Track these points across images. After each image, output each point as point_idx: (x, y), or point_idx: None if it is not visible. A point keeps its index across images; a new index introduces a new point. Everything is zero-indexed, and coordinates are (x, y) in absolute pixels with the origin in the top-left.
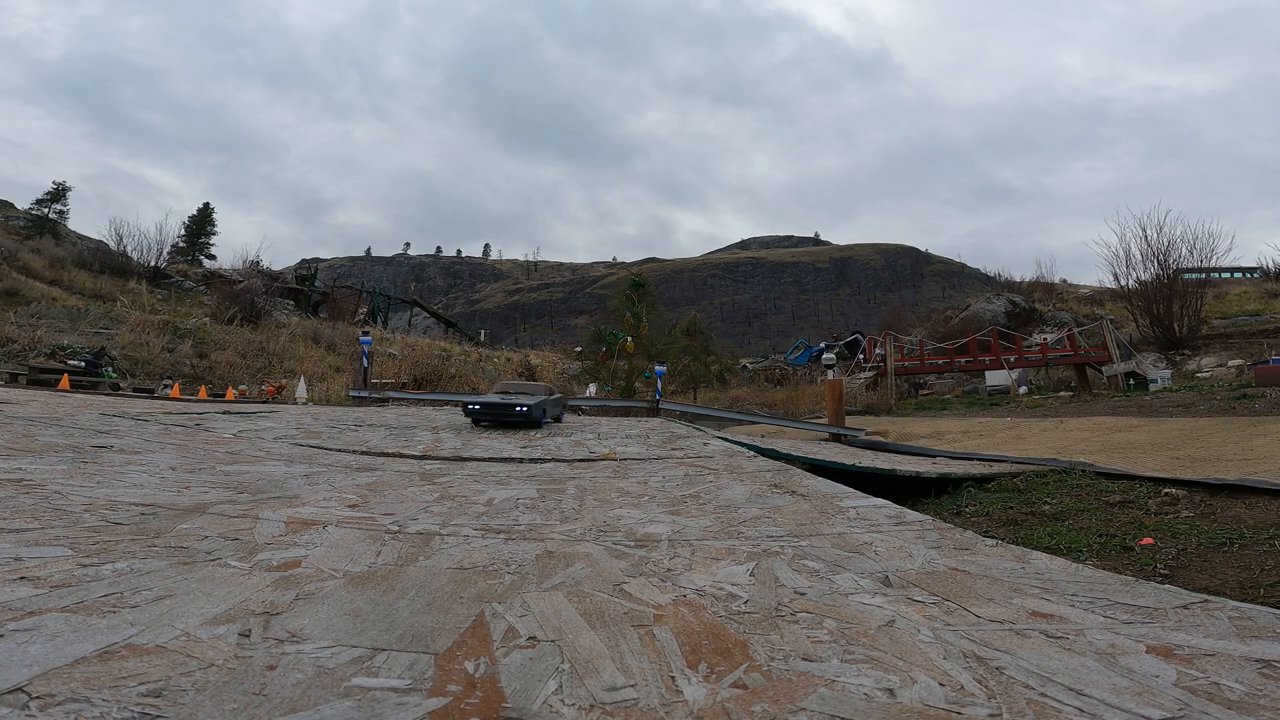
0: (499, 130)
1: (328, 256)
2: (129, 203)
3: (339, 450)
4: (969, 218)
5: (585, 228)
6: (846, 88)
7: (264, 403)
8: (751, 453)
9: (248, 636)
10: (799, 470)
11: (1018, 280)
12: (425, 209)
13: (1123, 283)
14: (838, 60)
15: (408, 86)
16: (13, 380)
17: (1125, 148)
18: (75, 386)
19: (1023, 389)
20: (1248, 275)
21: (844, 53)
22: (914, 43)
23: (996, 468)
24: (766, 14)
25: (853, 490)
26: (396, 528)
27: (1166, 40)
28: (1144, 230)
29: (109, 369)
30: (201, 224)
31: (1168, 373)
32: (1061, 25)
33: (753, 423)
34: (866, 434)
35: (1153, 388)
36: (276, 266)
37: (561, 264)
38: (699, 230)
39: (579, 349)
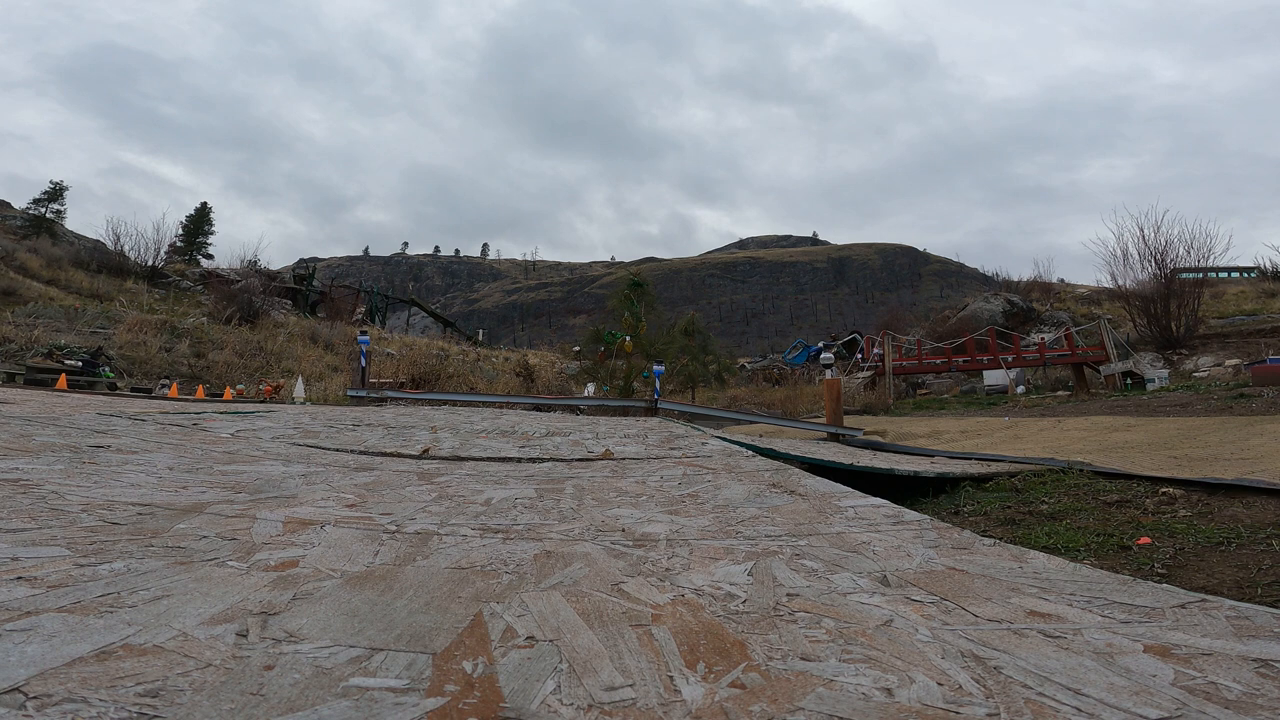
0: (530, 126)
1: (341, 255)
2: (144, 200)
3: (337, 450)
4: (986, 215)
5: (607, 226)
6: (890, 84)
7: (261, 402)
8: (750, 452)
9: (245, 636)
10: (797, 470)
11: (1015, 280)
12: (446, 206)
13: (1120, 282)
14: (882, 56)
15: (439, 81)
16: (10, 380)
17: (1146, 145)
18: (72, 386)
19: (1020, 388)
20: (1245, 275)
21: (890, 48)
22: (953, 37)
23: (994, 467)
24: (814, 7)
25: (851, 490)
26: (394, 527)
27: (1193, 38)
28: (1141, 230)
29: (106, 368)
30: (199, 223)
31: (1165, 372)
32: (1086, 21)
33: (751, 422)
34: (864, 433)
35: (1150, 387)
36: (289, 265)
37: (559, 264)
38: (722, 229)
39: (577, 349)
